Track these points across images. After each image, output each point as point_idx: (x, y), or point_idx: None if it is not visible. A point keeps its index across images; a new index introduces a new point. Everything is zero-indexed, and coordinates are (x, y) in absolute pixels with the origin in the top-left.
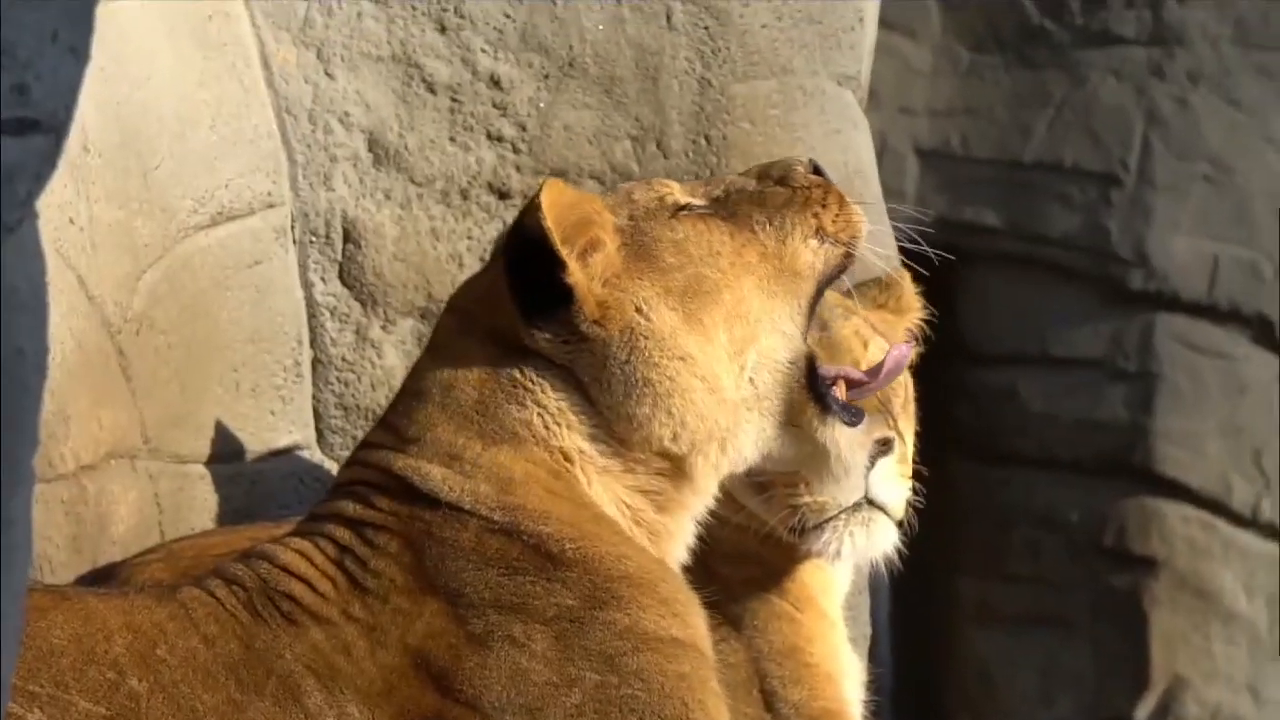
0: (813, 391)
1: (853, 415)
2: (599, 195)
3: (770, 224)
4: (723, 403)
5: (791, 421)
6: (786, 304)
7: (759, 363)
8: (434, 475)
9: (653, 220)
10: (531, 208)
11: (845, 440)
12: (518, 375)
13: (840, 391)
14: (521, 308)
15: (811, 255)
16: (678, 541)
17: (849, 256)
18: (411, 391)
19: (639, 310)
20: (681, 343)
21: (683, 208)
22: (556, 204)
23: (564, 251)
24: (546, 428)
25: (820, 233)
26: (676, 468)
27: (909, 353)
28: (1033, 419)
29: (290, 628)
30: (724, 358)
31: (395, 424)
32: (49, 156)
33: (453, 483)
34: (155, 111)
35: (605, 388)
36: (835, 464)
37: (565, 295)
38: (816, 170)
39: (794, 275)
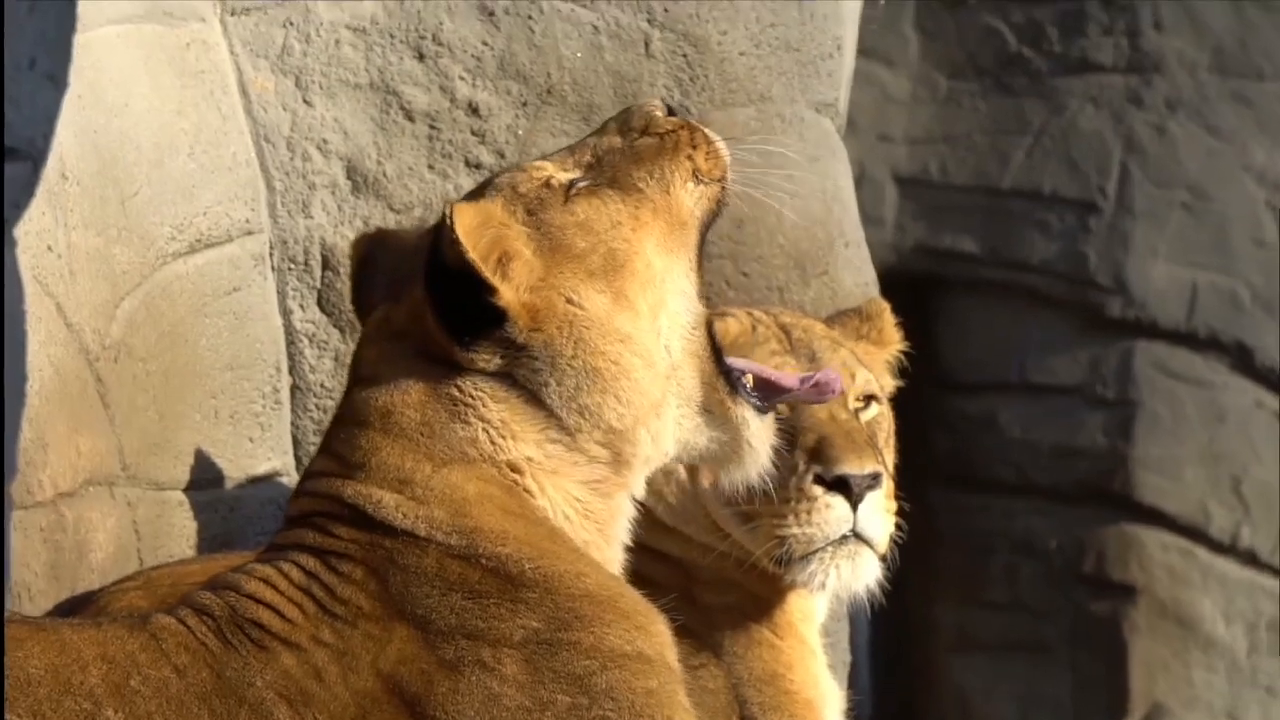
0: (719, 366)
1: (761, 400)
2: (489, 200)
3: (651, 178)
4: (656, 376)
5: (705, 406)
6: (681, 259)
7: (670, 327)
8: (386, 502)
9: (549, 209)
10: (449, 241)
11: (754, 423)
12: (456, 393)
13: (748, 380)
14: (451, 331)
15: (692, 201)
16: (619, 522)
17: (723, 193)
18: (348, 420)
19: (570, 301)
20: (618, 323)
21: (569, 187)
22: (470, 230)
23: (488, 275)
24: (493, 442)
25: (696, 174)
26: (616, 452)
27: (839, 383)
28: (1011, 446)
29: (260, 654)
30: (648, 328)
31: (338, 451)
32: (27, 184)
33: (406, 509)
34: (133, 139)
35: (554, 385)
36: (745, 450)
37: (495, 313)
38: (671, 111)
39: (682, 226)
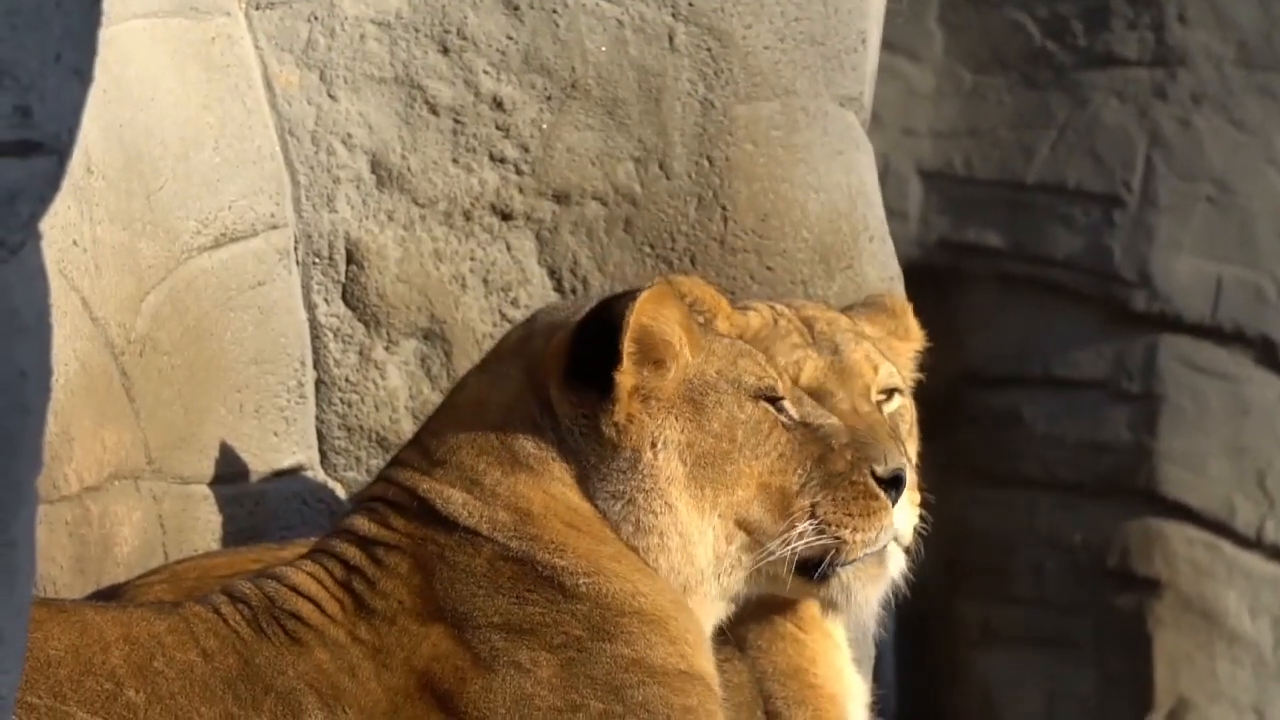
0: (800, 574)
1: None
2: (712, 328)
3: (806, 475)
4: (693, 562)
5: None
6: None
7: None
8: (455, 499)
9: (732, 389)
10: (628, 297)
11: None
12: (537, 416)
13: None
14: (570, 365)
15: (803, 537)
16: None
17: (835, 549)
18: (448, 405)
19: (654, 445)
20: (675, 494)
21: (769, 398)
22: (651, 313)
23: (627, 351)
24: (561, 471)
25: (823, 524)
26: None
27: None
28: (1036, 440)
29: (294, 646)
30: (709, 535)
31: (426, 443)
32: (52, 178)
33: (472, 508)
34: (158, 133)
35: (600, 477)
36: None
37: (607, 387)
38: (895, 480)
39: (788, 527)
